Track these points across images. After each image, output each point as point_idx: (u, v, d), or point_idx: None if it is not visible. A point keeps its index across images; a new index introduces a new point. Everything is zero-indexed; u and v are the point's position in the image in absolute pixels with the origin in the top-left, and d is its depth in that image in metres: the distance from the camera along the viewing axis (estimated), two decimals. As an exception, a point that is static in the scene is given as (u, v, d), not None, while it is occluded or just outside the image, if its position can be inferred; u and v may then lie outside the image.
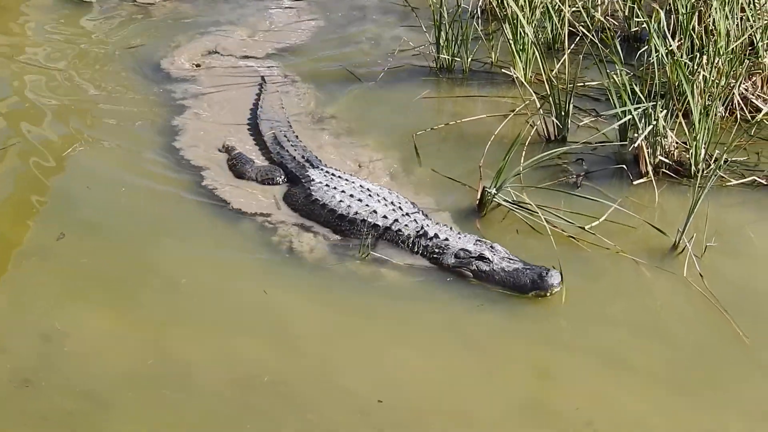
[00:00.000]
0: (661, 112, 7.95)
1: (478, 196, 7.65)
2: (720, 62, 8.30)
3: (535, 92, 8.71)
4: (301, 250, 7.23)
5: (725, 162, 7.93)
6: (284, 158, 8.23)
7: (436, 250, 7.13)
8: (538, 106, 8.57)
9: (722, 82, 8.28)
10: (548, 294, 6.75)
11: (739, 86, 8.59)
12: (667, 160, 8.09)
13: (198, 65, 9.96)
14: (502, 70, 9.35)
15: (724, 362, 6.31)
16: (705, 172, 7.87)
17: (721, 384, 6.17)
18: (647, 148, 8.03)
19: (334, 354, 6.37)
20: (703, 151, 7.95)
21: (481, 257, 6.98)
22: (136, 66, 9.98)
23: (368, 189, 7.65)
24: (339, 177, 7.82)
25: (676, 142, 8.12)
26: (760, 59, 8.79)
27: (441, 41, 9.72)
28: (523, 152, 7.95)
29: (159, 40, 10.54)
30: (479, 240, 7.17)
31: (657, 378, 6.18)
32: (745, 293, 6.83)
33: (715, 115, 8.10)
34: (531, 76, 9.30)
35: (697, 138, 7.91)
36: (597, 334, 6.53)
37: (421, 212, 7.55)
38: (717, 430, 5.87)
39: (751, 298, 6.78)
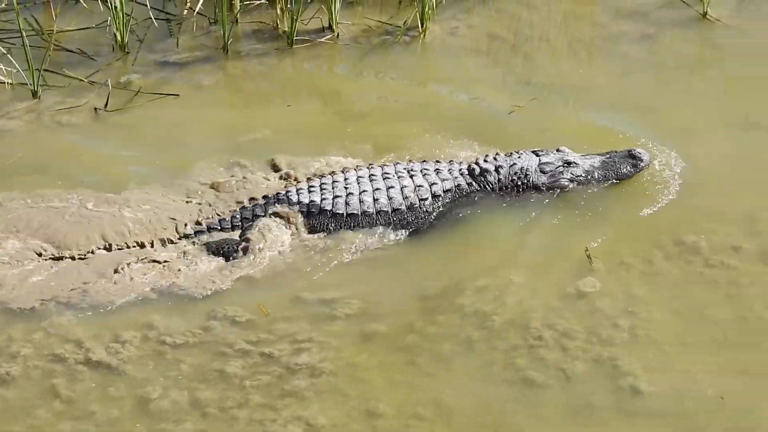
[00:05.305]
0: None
1: None
2: None
3: None
4: None
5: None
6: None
7: (516, 179, 6.42)
8: None
9: None
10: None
11: None
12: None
13: None
14: None
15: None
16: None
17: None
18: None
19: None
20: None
21: (568, 162, 6.42)
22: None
23: (372, 175, 6.54)
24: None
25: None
26: None
27: None
28: None
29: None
30: (536, 151, 6.57)
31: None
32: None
33: None
34: None
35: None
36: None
37: (433, 162, 6.68)
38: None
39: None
